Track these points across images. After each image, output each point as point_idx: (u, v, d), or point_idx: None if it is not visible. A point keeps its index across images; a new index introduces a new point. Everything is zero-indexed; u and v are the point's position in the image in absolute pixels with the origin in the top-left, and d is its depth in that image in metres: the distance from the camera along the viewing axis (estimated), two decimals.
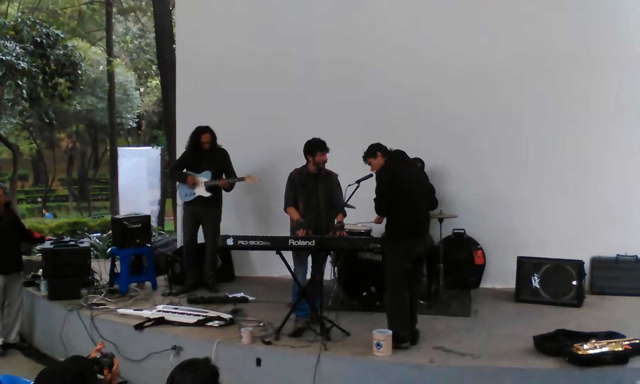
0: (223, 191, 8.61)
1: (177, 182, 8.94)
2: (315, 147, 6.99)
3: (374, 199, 6.24)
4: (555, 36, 8.39)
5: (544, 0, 8.45)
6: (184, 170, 8.61)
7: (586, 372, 5.33)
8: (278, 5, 9.45)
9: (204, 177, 8.47)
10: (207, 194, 8.46)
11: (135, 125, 30.07)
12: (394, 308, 6.17)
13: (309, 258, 7.09)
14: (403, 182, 6.19)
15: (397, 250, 6.15)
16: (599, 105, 8.32)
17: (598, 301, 7.84)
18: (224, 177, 8.46)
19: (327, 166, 7.16)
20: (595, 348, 5.43)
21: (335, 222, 7.09)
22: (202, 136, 8.43)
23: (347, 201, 7.05)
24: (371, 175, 7.03)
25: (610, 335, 5.82)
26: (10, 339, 7.97)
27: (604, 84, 8.29)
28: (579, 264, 7.69)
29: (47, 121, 18.32)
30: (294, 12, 9.34)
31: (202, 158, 8.51)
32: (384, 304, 7.03)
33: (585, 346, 5.44)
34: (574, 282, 7.61)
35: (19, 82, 14.10)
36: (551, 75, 8.43)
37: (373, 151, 6.54)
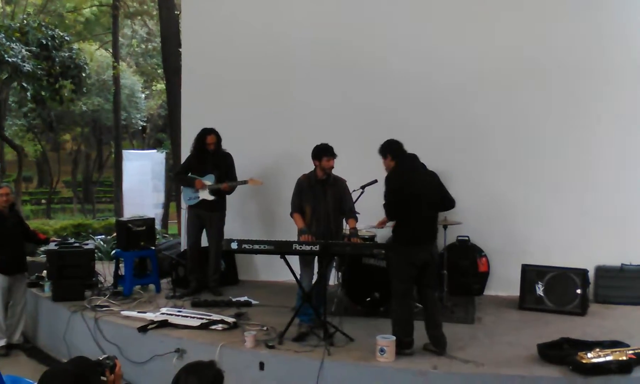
0: (227, 195, 8.61)
1: (182, 186, 8.96)
2: (322, 152, 6.98)
3: (384, 204, 6.22)
4: (562, 44, 8.38)
5: (550, 10, 8.44)
6: (189, 173, 8.63)
7: (590, 381, 5.31)
8: (283, 11, 9.47)
9: (207, 181, 8.48)
10: (211, 198, 8.47)
11: (143, 126, 30.10)
12: (398, 314, 6.16)
13: (316, 263, 7.07)
14: (409, 190, 6.13)
15: (401, 256, 6.14)
16: (604, 113, 8.32)
17: (602, 310, 7.82)
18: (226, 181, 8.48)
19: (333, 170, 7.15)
20: (599, 356, 5.42)
21: (349, 229, 7.09)
22: (208, 137, 8.45)
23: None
24: (375, 181, 7.04)
25: (614, 344, 5.80)
26: (14, 340, 7.98)
27: (610, 92, 8.28)
28: (583, 272, 7.68)
29: (49, 123, 18.34)
30: (298, 17, 9.37)
31: (207, 161, 8.52)
32: (387, 310, 7.05)
33: (589, 355, 5.43)
34: (579, 291, 7.60)
35: (24, 84, 14.13)
36: (556, 84, 8.44)
37: (383, 152, 6.41)
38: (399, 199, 6.14)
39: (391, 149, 6.39)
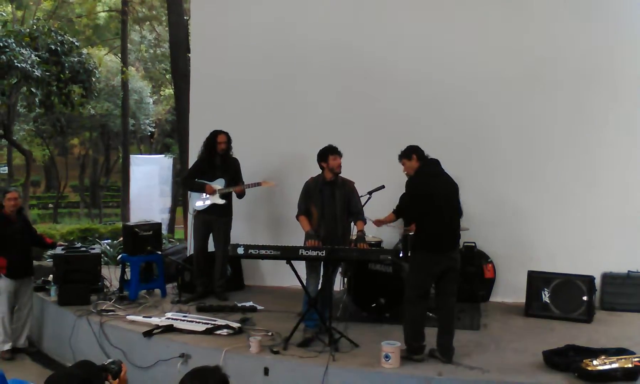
0: (234, 200, 8.63)
1: (189, 192, 8.98)
2: (327, 151, 7.01)
3: (399, 206, 6.20)
4: (570, 50, 8.39)
5: (558, 14, 8.45)
6: (196, 179, 8.64)
7: None
8: (291, 16, 9.50)
9: (217, 185, 8.49)
10: (221, 202, 8.47)
11: (151, 131, 30.20)
12: (408, 319, 6.15)
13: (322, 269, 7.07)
14: (430, 197, 6.10)
15: (417, 262, 6.13)
16: (610, 119, 8.33)
17: (608, 317, 7.79)
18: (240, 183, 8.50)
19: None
20: (604, 364, 5.40)
21: (356, 231, 7.09)
22: (219, 136, 8.46)
23: None
24: (383, 186, 7.04)
25: (620, 351, 5.77)
26: (19, 344, 8.00)
27: (617, 98, 8.30)
28: (589, 279, 7.65)
29: (59, 128, 18.42)
30: (306, 22, 9.42)
31: (216, 166, 8.54)
32: (393, 316, 7.06)
33: (594, 362, 5.41)
34: (585, 298, 7.57)
35: (33, 89, 14.20)
36: (562, 90, 8.45)
37: (409, 153, 6.37)
38: (420, 199, 6.12)
39: (417, 151, 6.37)
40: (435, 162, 6.34)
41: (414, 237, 6.29)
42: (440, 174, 6.32)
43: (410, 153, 6.37)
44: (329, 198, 7.04)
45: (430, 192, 6.13)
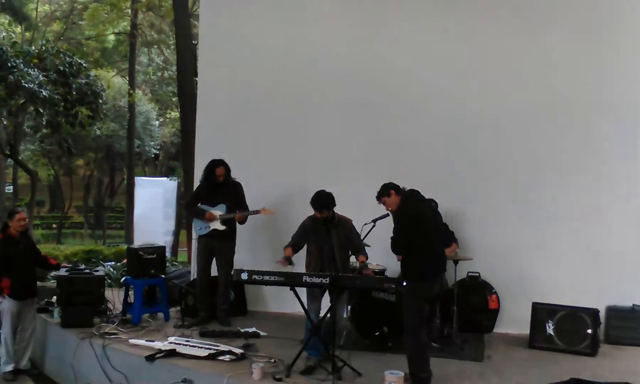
0: (237, 225, 8.64)
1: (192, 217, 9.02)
2: (312, 204, 7.06)
3: (391, 237, 6.24)
4: (577, 84, 8.42)
5: (566, 47, 8.50)
6: (199, 203, 8.67)
7: None
8: (299, 45, 9.55)
9: (219, 210, 8.53)
10: (222, 227, 8.51)
11: (157, 153, 30.34)
12: (413, 349, 6.14)
13: (324, 297, 7.06)
14: (420, 221, 6.23)
15: (416, 292, 6.15)
16: (616, 152, 8.33)
17: (613, 351, 7.73)
18: (238, 210, 8.51)
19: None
20: None
21: (358, 263, 7.11)
22: (217, 169, 8.52)
23: (363, 239, 7.09)
24: (387, 214, 7.05)
25: None
26: (22, 365, 7.96)
27: (621, 130, 8.30)
28: (594, 312, 7.61)
29: (66, 149, 18.49)
30: (314, 51, 9.47)
31: (217, 191, 8.58)
32: (396, 345, 7.03)
33: None
34: (589, 331, 7.53)
35: (40, 109, 14.27)
36: (571, 121, 8.45)
37: (386, 190, 6.57)
38: (412, 225, 6.17)
39: (393, 186, 6.57)
40: (416, 191, 6.49)
41: (407, 266, 6.31)
42: (424, 200, 6.53)
43: (387, 190, 6.58)
44: (325, 237, 7.06)
45: (420, 216, 6.30)
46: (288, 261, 7.00)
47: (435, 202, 7.67)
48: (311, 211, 7.16)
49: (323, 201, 7.01)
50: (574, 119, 8.46)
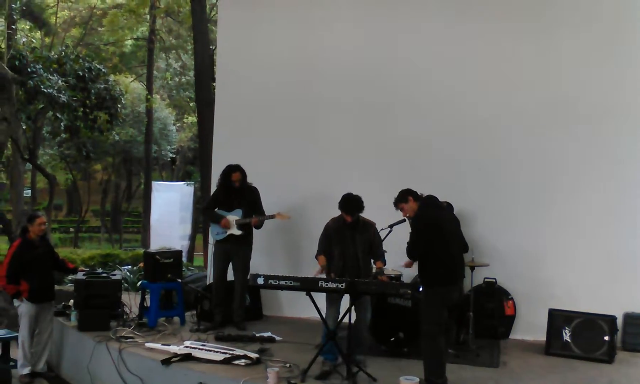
0: (254, 230, 8.67)
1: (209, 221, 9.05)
2: (341, 207, 7.01)
3: (407, 242, 6.24)
4: (590, 88, 8.39)
5: (577, 49, 8.47)
6: (216, 208, 8.71)
7: None
8: (316, 48, 9.61)
9: (235, 215, 8.56)
10: (239, 232, 8.54)
11: (173, 157, 30.47)
12: (430, 355, 6.13)
13: (341, 302, 7.04)
14: (439, 227, 6.23)
15: (434, 297, 6.14)
16: (631, 155, 8.27)
17: (630, 358, 7.66)
18: (254, 215, 8.54)
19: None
20: None
21: (375, 269, 7.10)
22: (233, 174, 8.56)
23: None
24: (404, 220, 7.05)
25: None
26: (38, 368, 8.01)
27: (633, 131, 8.25)
28: (611, 319, 7.55)
29: (85, 153, 18.63)
30: (332, 55, 9.52)
31: (233, 196, 8.62)
32: (412, 351, 7.01)
33: None
34: (606, 338, 7.47)
35: (58, 114, 14.40)
36: (585, 126, 8.41)
37: (404, 196, 6.59)
38: (431, 231, 6.16)
39: (410, 192, 6.59)
40: (434, 197, 6.50)
41: (424, 272, 6.30)
42: (443, 207, 6.59)
43: (406, 196, 6.60)
44: (349, 240, 7.04)
45: (439, 223, 6.30)
46: (325, 268, 7.00)
47: (451, 205, 7.67)
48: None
49: (353, 204, 6.98)
50: (586, 120, 8.41)
